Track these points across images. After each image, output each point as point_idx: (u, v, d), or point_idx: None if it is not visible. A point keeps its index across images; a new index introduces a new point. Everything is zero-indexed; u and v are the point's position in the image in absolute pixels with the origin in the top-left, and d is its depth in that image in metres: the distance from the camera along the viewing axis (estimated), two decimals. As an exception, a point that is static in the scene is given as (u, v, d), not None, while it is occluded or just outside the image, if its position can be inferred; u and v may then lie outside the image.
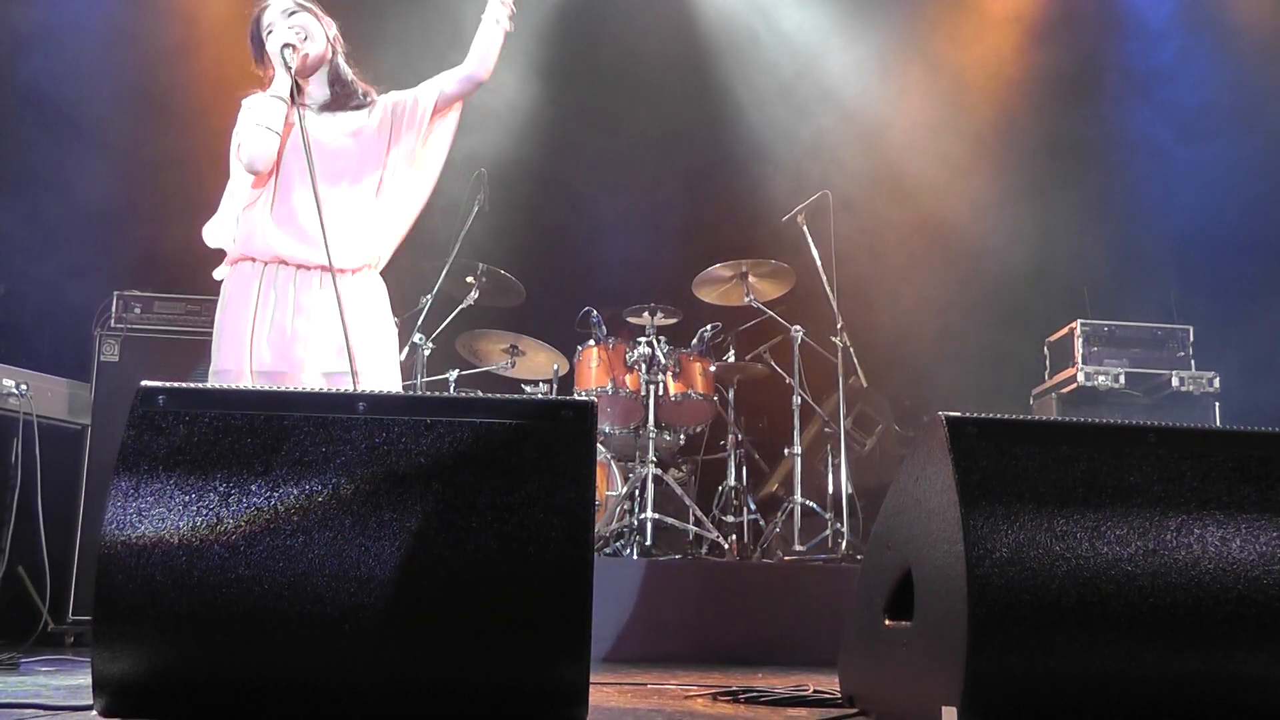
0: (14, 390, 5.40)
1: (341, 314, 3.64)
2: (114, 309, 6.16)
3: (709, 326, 6.82)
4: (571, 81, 7.66)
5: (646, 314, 6.71)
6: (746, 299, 6.88)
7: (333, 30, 4.00)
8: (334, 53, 3.99)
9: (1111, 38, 7.97)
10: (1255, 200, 7.49)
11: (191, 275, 6.41)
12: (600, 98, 7.68)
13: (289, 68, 3.83)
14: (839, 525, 6.32)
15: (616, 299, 6.92)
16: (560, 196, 7.73)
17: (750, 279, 6.87)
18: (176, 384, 2.43)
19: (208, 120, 6.89)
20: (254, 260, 3.82)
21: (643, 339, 6.59)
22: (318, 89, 3.99)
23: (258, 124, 3.78)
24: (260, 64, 3.97)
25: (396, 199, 3.99)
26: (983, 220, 7.73)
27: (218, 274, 3.95)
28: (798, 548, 6.25)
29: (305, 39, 3.88)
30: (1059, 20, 7.87)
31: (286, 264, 3.80)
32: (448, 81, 4.01)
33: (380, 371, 3.84)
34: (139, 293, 6.23)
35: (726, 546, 6.34)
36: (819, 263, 6.70)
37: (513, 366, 6.88)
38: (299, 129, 3.79)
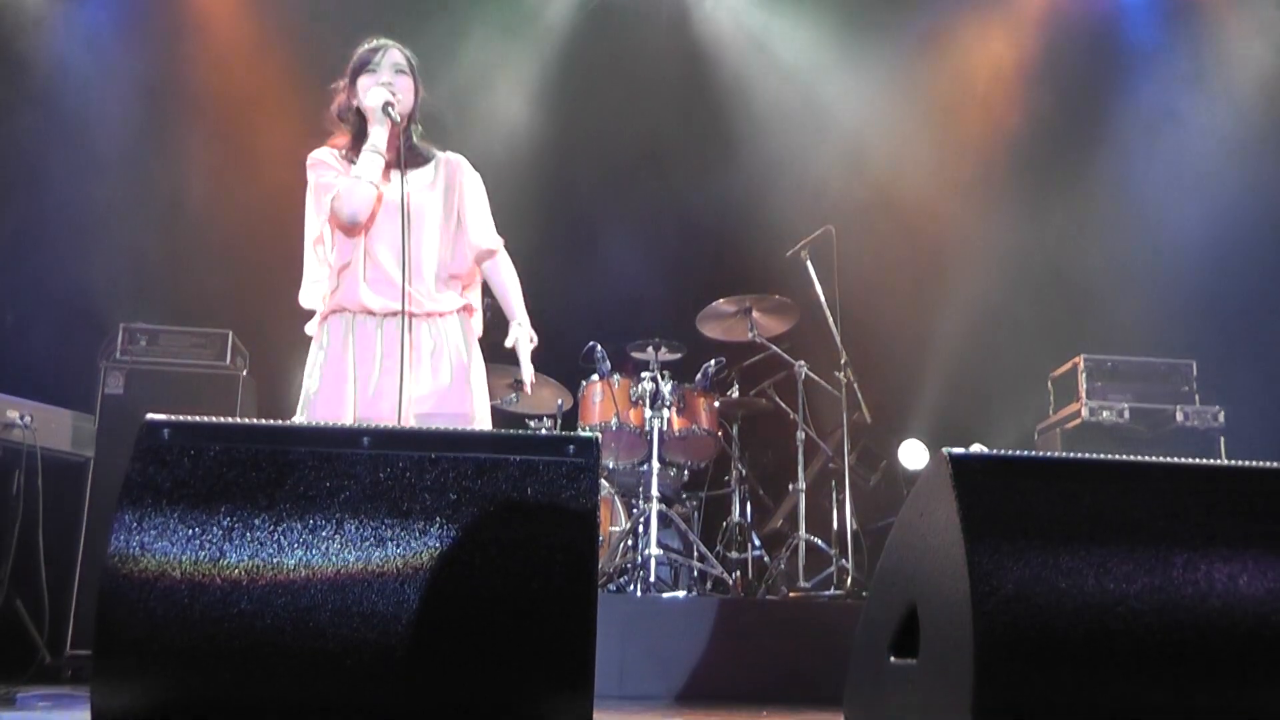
0: (18, 421, 5.40)
1: (427, 363, 3.84)
2: (120, 341, 6.17)
3: (713, 361, 6.80)
4: (574, 116, 7.69)
5: (650, 349, 6.71)
6: (750, 334, 6.88)
7: (419, 99, 4.09)
8: (411, 120, 4.06)
9: (1115, 72, 7.99)
10: (1259, 234, 7.49)
11: (197, 309, 6.45)
12: (603, 132, 7.70)
13: (394, 123, 3.89)
14: (844, 561, 6.30)
15: (620, 334, 6.91)
16: (564, 230, 7.74)
17: (754, 314, 6.87)
18: (182, 417, 2.43)
19: (222, 158, 6.96)
20: (344, 311, 3.89)
21: (647, 374, 6.59)
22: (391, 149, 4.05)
23: (358, 177, 3.85)
24: (345, 93, 4.02)
25: (460, 244, 4.09)
26: (987, 255, 7.74)
27: (310, 328, 4.01)
28: (803, 584, 6.22)
29: (399, 99, 3.94)
30: (1062, 55, 7.89)
31: (374, 314, 3.87)
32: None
33: (469, 408, 3.94)
34: (145, 325, 6.25)
35: (731, 583, 6.31)
36: (822, 298, 6.70)
37: (516, 401, 6.86)
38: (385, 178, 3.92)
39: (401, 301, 3.80)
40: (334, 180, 3.89)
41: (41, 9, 6.98)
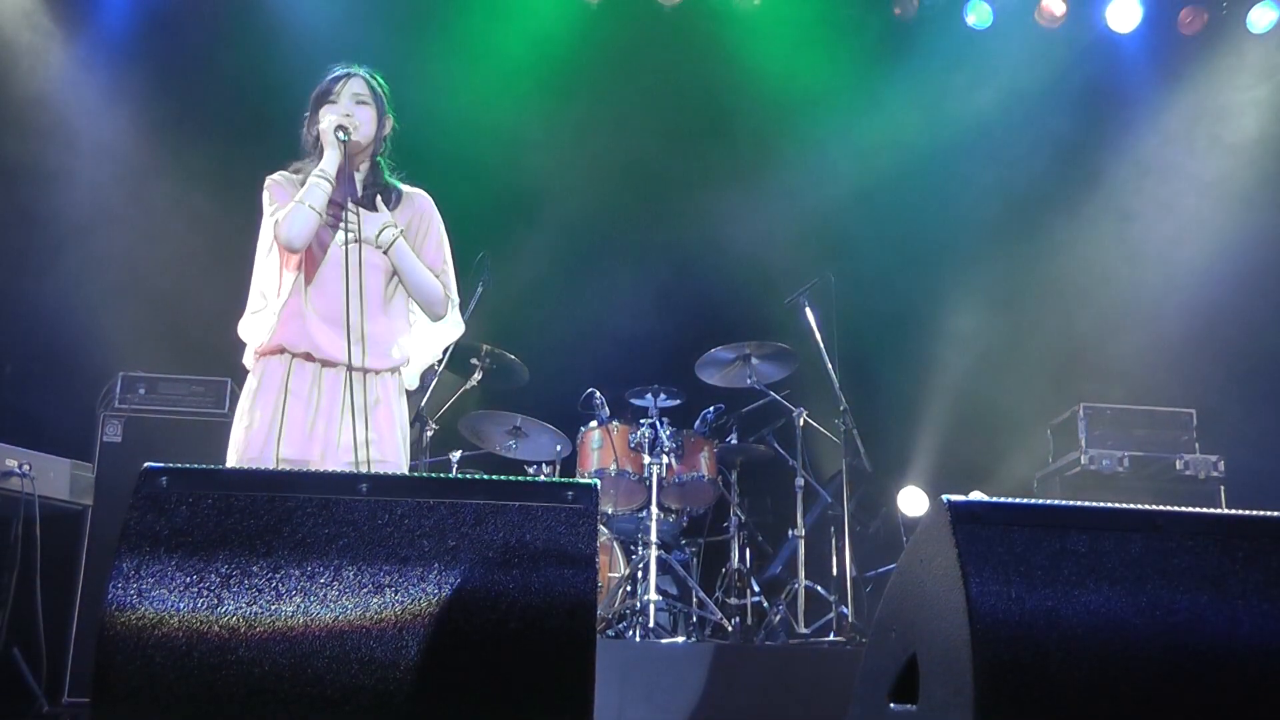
0: (16, 470, 5.39)
1: (364, 415, 3.70)
2: (118, 389, 6.16)
3: (712, 408, 6.82)
4: (572, 158, 7.70)
5: (649, 395, 6.71)
6: (749, 381, 6.89)
7: (386, 130, 4.01)
8: (375, 152, 4.00)
9: (1115, 117, 8.02)
10: (1258, 282, 7.51)
11: (196, 357, 6.45)
12: (602, 176, 7.73)
13: (343, 146, 3.80)
14: (843, 608, 6.27)
15: (619, 380, 6.92)
16: (563, 276, 7.76)
17: (753, 360, 6.88)
18: (180, 465, 2.43)
19: (217, 205, 6.96)
20: (284, 352, 3.80)
21: (646, 420, 6.59)
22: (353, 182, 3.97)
23: (301, 202, 3.74)
24: (307, 126, 3.95)
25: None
26: (986, 302, 7.75)
27: (247, 361, 3.92)
28: (802, 630, 6.20)
29: (356, 128, 3.84)
30: (1062, 100, 7.90)
31: (313, 358, 3.79)
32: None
33: (397, 458, 3.85)
34: (143, 373, 6.24)
35: (730, 629, 6.29)
36: (821, 345, 6.71)
37: (515, 447, 6.87)
38: (338, 220, 3.84)
39: (345, 346, 3.74)
40: (282, 204, 3.81)
41: (40, 48, 6.98)
